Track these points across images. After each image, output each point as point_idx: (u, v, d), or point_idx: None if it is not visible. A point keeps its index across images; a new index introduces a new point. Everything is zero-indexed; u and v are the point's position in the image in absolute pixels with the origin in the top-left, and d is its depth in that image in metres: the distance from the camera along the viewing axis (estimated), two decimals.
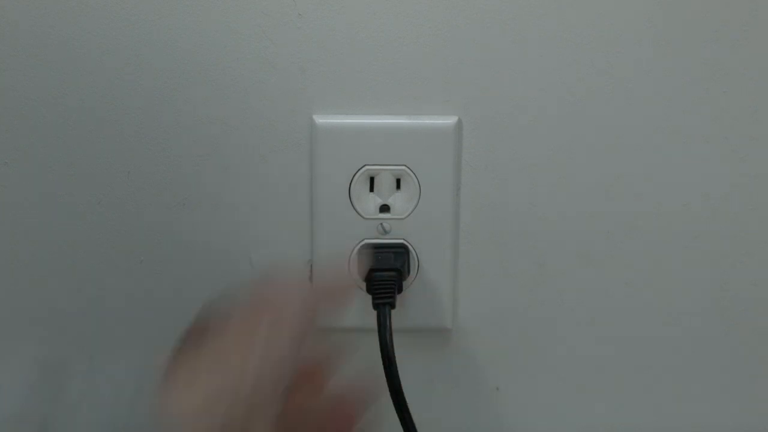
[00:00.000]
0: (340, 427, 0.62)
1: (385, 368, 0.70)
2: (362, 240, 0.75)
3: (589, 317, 0.78)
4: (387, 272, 0.74)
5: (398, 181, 0.75)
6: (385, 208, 0.75)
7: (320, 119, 0.73)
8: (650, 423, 0.81)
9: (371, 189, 0.75)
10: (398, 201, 0.75)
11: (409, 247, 0.76)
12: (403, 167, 0.74)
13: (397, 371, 0.71)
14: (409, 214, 0.75)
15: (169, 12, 0.71)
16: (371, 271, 0.74)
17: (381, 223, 0.75)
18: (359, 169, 0.74)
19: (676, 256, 0.77)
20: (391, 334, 0.71)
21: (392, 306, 0.73)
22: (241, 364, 0.56)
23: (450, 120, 0.74)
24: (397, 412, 0.71)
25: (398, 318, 0.75)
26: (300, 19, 0.72)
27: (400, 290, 0.74)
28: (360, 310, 0.77)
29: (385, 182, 0.74)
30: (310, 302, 0.59)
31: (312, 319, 0.59)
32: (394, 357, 0.71)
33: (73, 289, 0.77)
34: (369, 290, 0.74)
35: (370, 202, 0.75)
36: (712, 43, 0.73)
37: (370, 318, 0.73)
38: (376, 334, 0.71)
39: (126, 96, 0.73)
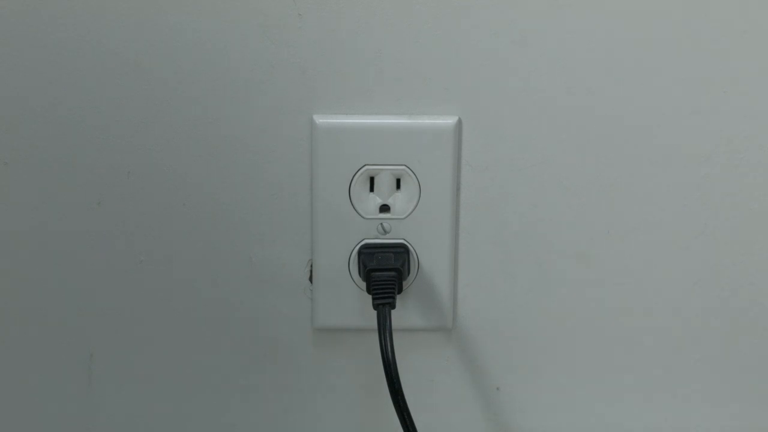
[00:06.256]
0: None
1: (385, 368, 0.70)
2: (362, 240, 0.75)
3: (589, 317, 0.78)
4: (387, 272, 0.74)
5: (398, 181, 0.75)
6: (385, 208, 0.75)
7: (320, 119, 0.73)
8: (650, 423, 0.81)
9: (371, 189, 0.75)
10: (398, 201, 0.75)
11: (409, 247, 0.76)
12: (403, 167, 0.74)
13: (397, 371, 0.71)
14: (409, 214, 0.75)
15: (168, 12, 0.71)
16: (371, 271, 0.74)
17: (381, 223, 0.75)
18: (359, 169, 0.74)
19: (676, 255, 0.77)
20: (391, 335, 0.71)
21: (392, 306, 0.73)
22: None
23: (450, 120, 0.74)
24: (397, 412, 0.71)
25: (398, 318, 0.75)
26: (300, 19, 0.72)
27: (400, 290, 0.74)
28: (360, 310, 0.77)
29: (385, 182, 0.74)
30: None
31: None
32: (394, 357, 0.71)
33: (74, 289, 0.77)
34: (369, 290, 0.74)
35: (370, 202, 0.75)
36: (715, 44, 0.73)
37: (370, 318, 0.73)
38: (376, 334, 0.71)
39: (126, 96, 0.73)
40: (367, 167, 0.74)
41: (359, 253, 0.75)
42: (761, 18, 0.72)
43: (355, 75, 0.73)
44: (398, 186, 0.75)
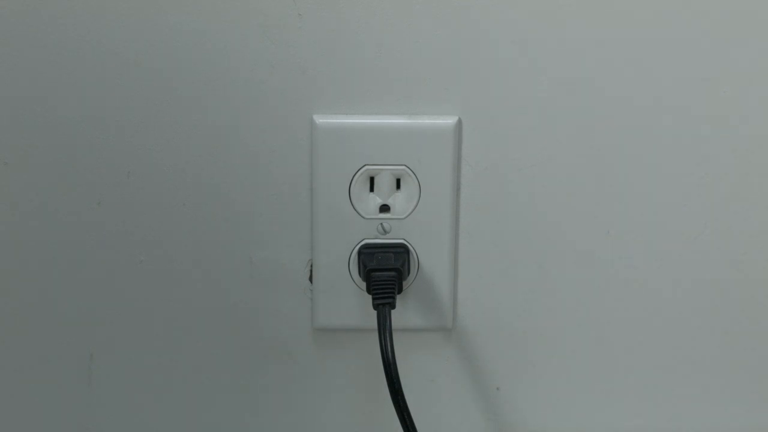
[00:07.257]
0: None
1: (385, 369, 0.70)
2: (362, 240, 0.75)
3: (589, 317, 0.78)
4: (387, 272, 0.74)
5: (398, 181, 0.75)
6: (385, 208, 0.75)
7: (320, 119, 0.73)
8: (650, 423, 0.81)
9: (371, 189, 0.75)
10: (398, 201, 0.75)
11: (409, 247, 0.76)
12: (403, 167, 0.74)
13: (397, 372, 0.71)
14: (409, 214, 0.75)
15: (168, 12, 0.71)
16: (371, 271, 0.74)
17: (381, 223, 0.75)
18: (359, 169, 0.74)
19: (676, 255, 0.77)
20: (391, 335, 0.71)
21: (392, 306, 0.73)
22: None
23: (450, 120, 0.74)
24: (397, 412, 0.71)
25: (398, 318, 0.75)
26: (300, 19, 0.72)
27: (400, 290, 0.74)
28: (360, 310, 0.77)
29: (385, 182, 0.74)
30: None
31: None
32: (394, 357, 0.71)
33: (74, 289, 0.77)
34: (369, 290, 0.74)
35: (370, 202, 0.75)
36: (715, 44, 0.73)
37: (370, 318, 0.73)
38: (376, 334, 0.71)
39: (126, 96, 0.73)
40: (367, 167, 0.74)
41: (359, 253, 0.75)
42: (762, 17, 0.72)
43: (355, 75, 0.73)
44: (398, 186, 0.75)
